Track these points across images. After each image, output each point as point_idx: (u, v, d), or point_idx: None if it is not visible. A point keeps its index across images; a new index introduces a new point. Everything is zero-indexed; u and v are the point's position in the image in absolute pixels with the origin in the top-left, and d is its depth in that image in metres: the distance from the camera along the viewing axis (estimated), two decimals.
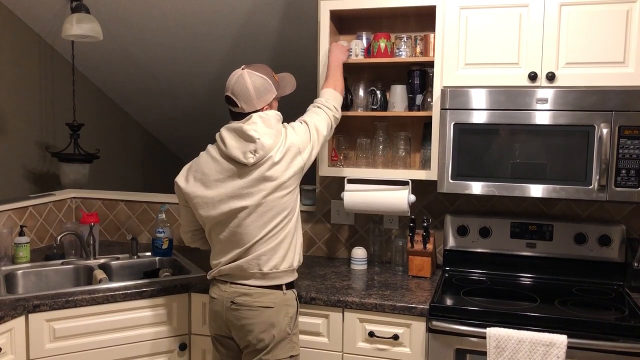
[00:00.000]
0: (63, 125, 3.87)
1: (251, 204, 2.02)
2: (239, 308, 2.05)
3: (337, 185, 2.89)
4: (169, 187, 4.69)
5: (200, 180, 2.09)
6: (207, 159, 2.10)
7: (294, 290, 2.15)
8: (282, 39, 3.71)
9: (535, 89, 2.25)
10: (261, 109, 2.07)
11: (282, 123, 2.11)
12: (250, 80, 2.05)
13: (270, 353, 2.03)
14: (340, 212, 2.89)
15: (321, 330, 2.32)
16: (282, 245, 2.06)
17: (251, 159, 1.99)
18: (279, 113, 2.11)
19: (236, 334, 2.09)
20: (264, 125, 2.02)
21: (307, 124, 2.17)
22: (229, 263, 2.08)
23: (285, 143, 2.05)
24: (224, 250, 2.09)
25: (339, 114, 2.31)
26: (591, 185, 2.21)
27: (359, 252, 2.73)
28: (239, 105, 2.05)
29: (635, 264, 2.39)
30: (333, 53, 2.46)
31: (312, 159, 2.14)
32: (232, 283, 2.08)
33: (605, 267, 2.50)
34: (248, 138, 1.99)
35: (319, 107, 2.26)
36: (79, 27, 3.17)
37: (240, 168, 2.03)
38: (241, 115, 2.07)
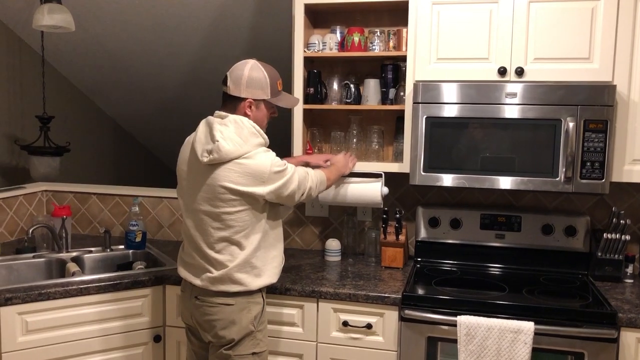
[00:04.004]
0: (32, 117, 3.81)
1: (203, 209, 2.02)
2: (202, 304, 2.06)
3: None
4: (141, 180, 4.65)
5: (177, 165, 2.14)
6: (185, 144, 2.13)
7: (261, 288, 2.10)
8: (256, 32, 3.71)
9: (504, 83, 2.31)
10: (245, 101, 2.02)
11: (270, 151, 2.04)
12: (250, 68, 2.04)
13: (232, 349, 2.02)
14: (314, 204, 2.92)
15: (296, 321, 2.35)
16: (242, 264, 2.01)
17: (205, 159, 1.96)
18: (259, 130, 2.02)
19: (200, 328, 2.10)
20: (235, 131, 1.97)
21: (294, 171, 2.08)
22: (189, 265, 2.10)
23: (254, 163, 1.97)
24: (187, 249, 2.12)
25: (314, 192, 2.20)
26: (558, 177, 2.28)
27: (333, 244, 2.77)
28: (228, 84, 2.04)
29: (599, 254, 2.48)
30: (341, 162, 2.45)
31: (274, 199, 2.04)
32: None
33: (570, 257, 2.58)
34: (212, 137, 1.97)
35: (307, 173, 2.17)
36: (51, 18, 3.12)
37: (198, 166, 2.01)
38: (226, 98, 2.06)
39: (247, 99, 2.03)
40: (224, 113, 2.03)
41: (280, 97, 2.12)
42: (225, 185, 1.95)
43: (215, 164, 1.96)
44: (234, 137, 1.96)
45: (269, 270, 2.07)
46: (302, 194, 2.13)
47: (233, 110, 2.04)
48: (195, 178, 2.03)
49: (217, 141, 1.93)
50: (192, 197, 2.05)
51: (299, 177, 2.10)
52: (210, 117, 2.04)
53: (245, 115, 2.04)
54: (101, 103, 4.95)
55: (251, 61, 2.07)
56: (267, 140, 2.06)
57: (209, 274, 2.02)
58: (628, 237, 2.42)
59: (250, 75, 2.03)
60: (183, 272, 2.14)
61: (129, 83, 4.54)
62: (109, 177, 5.03)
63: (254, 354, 2.05)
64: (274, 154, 2.04)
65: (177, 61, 4.16)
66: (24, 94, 4.03)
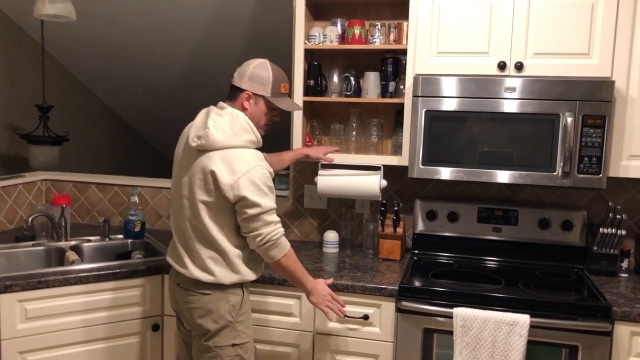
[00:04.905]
0: (32, 106, 3.81)
1: (184, 193, 2.04)
2: (183, 291, 2.08)
3: (310, 170, 2.93)
4: (140, 170, 4.67)
5: (175, 149, 2.16)
6: (185, 130, 2.14)
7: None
8: (257, 24, 3.71)
9: (504, 78, 2.32)
10: (244, 92, 2.04)
11: (256, 157, 2.00)
12: (257, 64, 2.07)
13: (211, 339, 2.03)
14: (313, 196, 2.94)
15: (293, 311, 2.37)
16: (215, 256, 2.02)
17: (193, 143, 1.99)
18: (252, 127, 2.01)
19: (182, 316, 2.14)
20: (228, 122, 1.99)
21: (272, 209, 2.00)
22: (174, 250, 2.13)
23: (238, 156, 1.96)
24: (173, 235, 2.14)
25: (266, 241, 1.98)
26: (555, 171, 2.30)
27: (331, 236, 2.78)
28: (234, 74, 2.09)
29: (595, 248, 2.50)
30: (312, 291, 2.12)
31: (231, 197, 1.95)
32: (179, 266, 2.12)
33: (567, 251, 2.60)
34: (205, 124, 2.00)
35: (279, 230, 2.01)
36: (52, 7, 3.11)
37: (188, 150, 2.04)
38: (231, 88, 2.09)
39: (246, 91, 2.05)
40: (224, 104, 2.07)
41: (280, 99, 2.11)
42: (204, 171, 1.97)
43: (202, 151, 1.99)
44: (226, 128, 1.98)
45: (246, 267, 2.05)
46: (259, 232, 1.97)
47: (233, 101, 2.07)
48: (184, 162, 2.07)
49: (208, 128, 1.97)
50: (179, 181, 2.08)
51: (270, 218, 1.98)
52: (211, 107, 2.08)
53: (243, 108, 2.06)
54: (100, 93, 4.94)
55: (262, 60, 2.10)
56: (260, 140, 2.06)
57: (186, 261, 2.05)
58: (624, 232, 2.44)
59: (254, 70, 2.06)
60: (168, 258, 2.17)
61: (128, 73, 4.54)
62: (107, 167, 5.04)
63: (234, 345, 2.04)
64: (266, 170, 1.99)
65: (176, 52, 4.16)
66: (24, 83, 4.02)
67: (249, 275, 2.07)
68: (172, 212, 2.14)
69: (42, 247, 2.75)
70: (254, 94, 2.05)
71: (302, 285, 2.11)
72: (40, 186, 3.30)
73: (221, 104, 2.07)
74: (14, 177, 3.18)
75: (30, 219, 2.68)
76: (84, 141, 4.70)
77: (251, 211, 1.95)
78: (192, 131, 2.02)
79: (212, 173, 1.95)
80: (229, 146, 1.97)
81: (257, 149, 2.06)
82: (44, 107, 3.75)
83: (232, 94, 2.08)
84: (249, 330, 2.11)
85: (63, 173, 3.41)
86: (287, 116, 2.67)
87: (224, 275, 2.02)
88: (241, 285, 2.08)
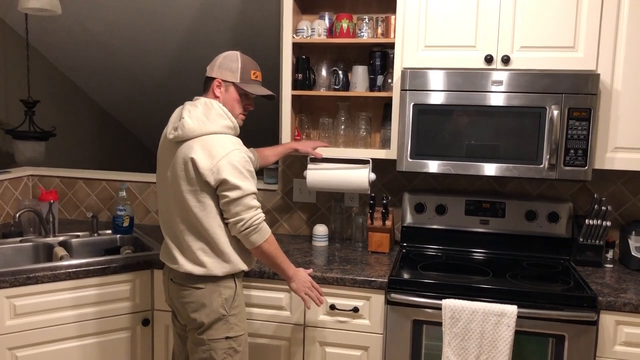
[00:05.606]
0: (17, 101, 3.77)
1: (169, 188, 2.05)
2: (176, 286, 2.09)
3: (299, 164, 2.93)
4: (127, 166, 4.65)
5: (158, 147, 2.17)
6: (165, 129, 2.14)
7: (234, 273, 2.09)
8: (244, 18, 3.70)
9: (490, 71, 2.34)
10: (215, 80, 2.06)
11: (242, 149, 2.00)
12: (227, 54, 2.10)
13: (204, 333, 2.04)
14: (302, 190, 2.95)
15: (284, 304, 2.38)
16: (206, 248, 2.02)
17: (171, 135, 2.01)
18: (227, 112, 2.03)
19: (176, 310, 2.15)
20: (202, 111, 2.01)
21: (253, 192, 1.99)
22: (165, 247, 2.14)
23: (215, 140, 1.97)
24: (164, 236, 2.14)
25: (246, 227, 1.97)
26: (542, 164, 2.32)
27: (321, 229, 2.79)
28: (207, 67, 2.11)
29: (581, 240, 2.53)
30: (292, 277, 2.13)
31: (214, 182, 1.95)
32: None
33: (553, 242, 2.63)
34: (180, 116, 2.02)
35: (260, 214, 2.01)
36: (37, 0, 3.09)
37: (168, 144, 2.06)
38: (204, 80, 2.11)
39: (216, 78, 2.07)
40: (198, 97, 2.09)
41: (250, 85, 2.11)
42: (184, 160, 1.97)
43: (180, 142, 2.00)
44: (200, 116, 2.00)
45: (238, 257, 2.05)
46: (240, 217, 1.96)
47: (206, 91, 2.10)
48: (165, 158, 2.07)
49: (183, 118, 1.98)
50: (163, 176, 2.08)
51: (252, 202, 1.98)
52: (186, 102, 2.09)
53: (215, 96, 2.07)
54: (87, 88, 4.91)
55: (234, 51, 2.13)
56: (236, 126, 2.07)
57: (177, 256, 2.05)
58: (609, 223, 2.47)
59: (224, 60, 2.09)
60: (162, 259, 2.17)
61: (115, 68, 4.51)
62: (94, 162, 5.01)
63: (227, 338, 2.05)
64: (245, 154, 2.00)
65: (164, 47, 4.14)
66: (8, 77, 3.98)
67: (241, 264, 2.06)
68: (160, 210, 2.14)
69: (30, 243, 2.73)
70: (223, 80, 2.07)
71: (284, 271, 2.12)
72: (27, 182, 3.28)
73: (195, 97, 2.10)
74: (0, 172, 3.15)
75: (17, 215, 2.66)
76: (71, 136, 4.67)
77: (232, 194, 1.95)
78: (169, 126, 2.05)
79: (192, 160, 1.95)
80: (205, 133, 1.98)
81: (237, 137, 2.06)
82: (30, 102, 3.72)
83: (205, 86, 2.11)
84: (243, 323, 2.12)
85: (50, 168, 3.39)
86: (275, 110, 2.67)
87: (215, 266, 2.02)
88: (233, 278, 2.08)
